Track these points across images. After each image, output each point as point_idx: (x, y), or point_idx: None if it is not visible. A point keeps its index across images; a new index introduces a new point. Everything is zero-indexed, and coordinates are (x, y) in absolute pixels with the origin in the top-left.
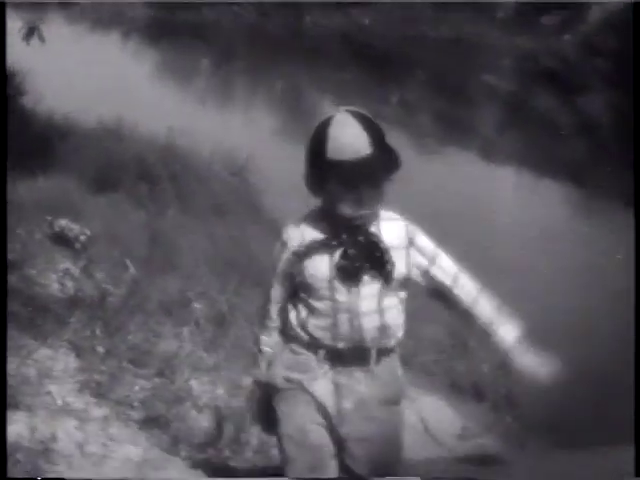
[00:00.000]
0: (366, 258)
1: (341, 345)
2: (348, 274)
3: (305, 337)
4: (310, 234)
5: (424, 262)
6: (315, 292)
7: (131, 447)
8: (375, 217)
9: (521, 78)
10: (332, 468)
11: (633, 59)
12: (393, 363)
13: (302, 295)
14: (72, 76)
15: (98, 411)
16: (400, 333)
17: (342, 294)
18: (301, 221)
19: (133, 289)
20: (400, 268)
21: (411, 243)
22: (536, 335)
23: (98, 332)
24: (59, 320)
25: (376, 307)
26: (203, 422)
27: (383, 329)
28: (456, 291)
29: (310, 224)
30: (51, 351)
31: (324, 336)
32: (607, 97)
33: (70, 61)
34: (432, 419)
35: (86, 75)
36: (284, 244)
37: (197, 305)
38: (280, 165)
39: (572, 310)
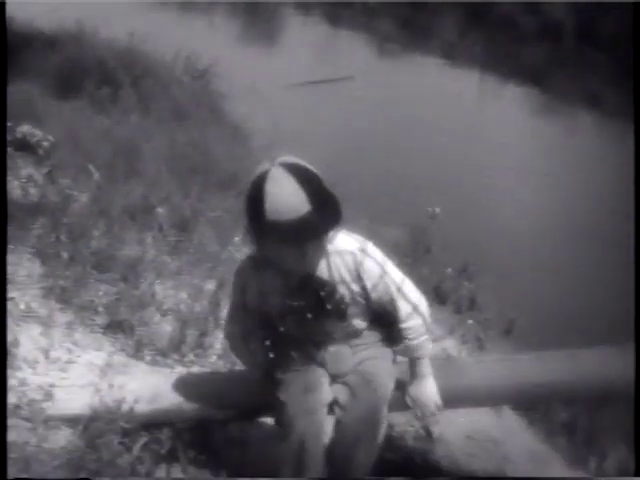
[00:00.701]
0: (325, 315)
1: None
2: (313, 334)
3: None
4: (265, 286)
5: (369, 288)
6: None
7: (95, 352)
8: (323, 256)
9: None
10: (326, 391)
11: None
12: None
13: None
14: None
15: (62, 317)
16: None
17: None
18: (254, 266)
19: (97, 195)
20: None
21: (359, 275)
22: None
23: (62, 238)
24: (23, 226)
25: (344, 331)
26: (167, 326)
27: (354, 332)
28: (392, 308)
29: (263, 272)
30: (15, 257)
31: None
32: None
33: None
34: None
35: None
36: (243, 291)
37: (160, 210)
38: (242, 69)
39: (535, 209)
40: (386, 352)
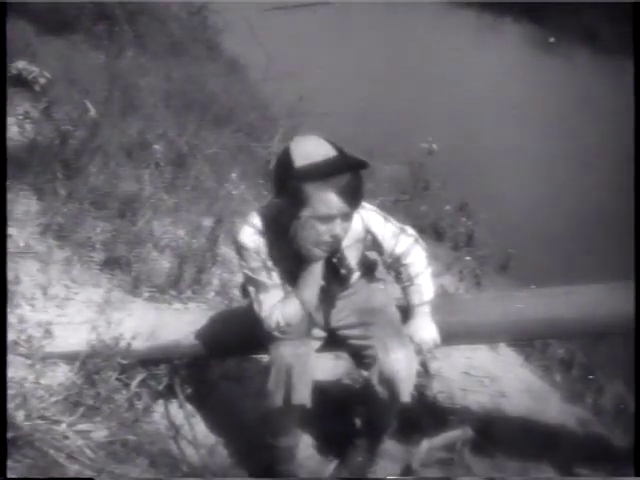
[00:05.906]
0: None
1: None
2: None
3: None
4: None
5: (379, 239)
6: None
7: (93, 289)
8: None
9: None
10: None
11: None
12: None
13: None
14: None
15: (60, 253)
16: None
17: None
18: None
19: (93, 131)
20: (358, 258)
21: (367, 232)
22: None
23: (59, 175)
24: (19, 164)
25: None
26: (164, 263)
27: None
28: (398, 251)
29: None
30: (11, 194)
31: None
32: None
33: None
34: None
35: None
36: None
37: (157, 147)
38: (238, 4)
39: (533, 145)
40: (375, 286)
